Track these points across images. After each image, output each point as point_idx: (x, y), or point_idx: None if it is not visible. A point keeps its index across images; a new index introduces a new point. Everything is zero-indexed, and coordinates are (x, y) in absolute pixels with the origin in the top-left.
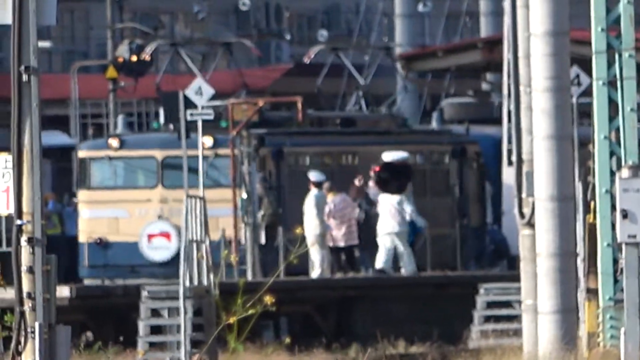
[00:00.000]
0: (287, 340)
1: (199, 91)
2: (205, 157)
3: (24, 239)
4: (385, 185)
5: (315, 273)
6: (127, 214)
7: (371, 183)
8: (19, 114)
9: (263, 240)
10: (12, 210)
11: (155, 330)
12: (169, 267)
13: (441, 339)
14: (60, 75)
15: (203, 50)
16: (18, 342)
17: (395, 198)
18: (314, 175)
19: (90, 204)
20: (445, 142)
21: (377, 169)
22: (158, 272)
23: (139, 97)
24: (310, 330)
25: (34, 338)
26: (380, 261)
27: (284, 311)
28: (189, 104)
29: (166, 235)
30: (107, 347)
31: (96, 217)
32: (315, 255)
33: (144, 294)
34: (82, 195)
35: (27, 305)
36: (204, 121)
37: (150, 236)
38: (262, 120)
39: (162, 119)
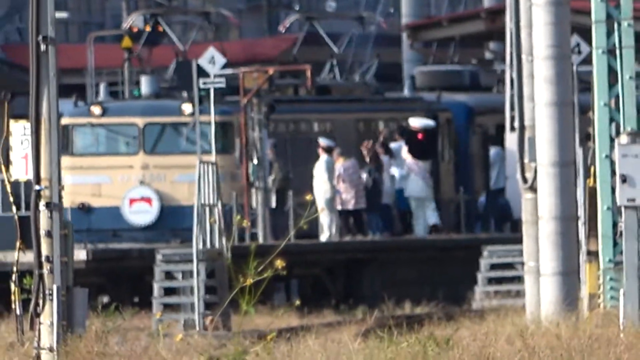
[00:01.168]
0: (297, 302)
1: (212, 60)
2: (185, 124)
3: (42, 204)
4: (418, 150)
5: (324, 236)
6: (109, 179)
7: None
8: (37, 83)
9: (274, 204)
10: (30, 175)
11: (170, 292)
12: (150, 231)
13: (446, 300)
14: (76, 45)
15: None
16: (37, 304)
17: (426, 164)
18: (323, 141)
19: (73, 170)
20: (417, 109)
21: (420, 136)
22: (139, 236)
23: (154, 65)
24: (320, 292)
25: (52, 300)
26: (432, 218)
27: (294, 274)
28: (202, 72)
29: (147, 200)
30: (123, 308)
31: (79, 182)
32: (325, 219)
33: (159, 257)
34: (64, 161)
35: (46, 268)
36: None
37: (131, 201)
38: (272, 88)
39: (143, 87)
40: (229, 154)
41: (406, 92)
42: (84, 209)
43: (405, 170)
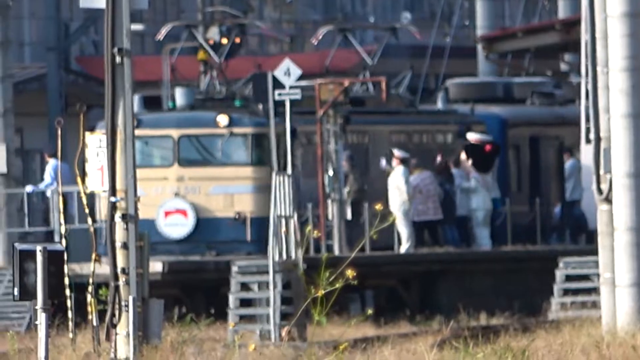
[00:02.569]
0: (370, 311)
1: (288, 72)
2: (220, 135)
3: (117, 216)
4: (480, 164)
5: (403, 248)
6: (143, 192)
7: (465, 162)
8: (113, 95)
9: (349, 216)
10: (106, 187)
11: (245, 303)
12: (186, 244)
13: (522, 312)
14: (152, 57)
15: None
16: (112, 315)
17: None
18: (399, 152)
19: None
20: (451, 122)
21: (488, 147)
22: (174, 249)
23: (229, 78)
24: (395, 303)
25: (127, 311)
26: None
27: (369, 285)
28: (277, 84)
29: (182, 212)
30: (199, 319)
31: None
32: (403, 230)
33: (234, 268)
34: None
35: (121, 279)
36: (217, 100)
37: (166, 213)
38: (348, 100)
39: (177, 99)
40: (265, 165)
41: (440, 104)
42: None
43: (474, 184)
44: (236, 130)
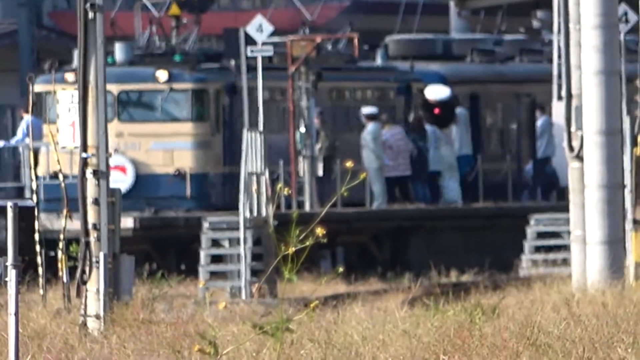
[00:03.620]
0: (341, 269)
1: (260, 28)
2: (160, 91)
3: (89, 172)
4: (437, 120)
5: (375, 204)
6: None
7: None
8: (85, 50)
9: (320, 172)
10: (77, 143)
11: (216, 259)
12: (125, 200)
13: (493, 269)
14: (124, 12)
15: None
16: (83, 272)
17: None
18: (368, 109)
19: (45, 137)
20: (391, 79)
21: (436, 110)
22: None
23: (201, 34)
24: (366, 260)
25: (98, 268)
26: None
27: (340, 241)
28: (249, 40)
29: (122, 168)
30: (170, 276)
31: (52, 150)
32: (376, 187)
33: (205, 224)
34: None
35: (93, 236)
36: (156, 55)
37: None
38: (320, 57)
39: (117, 54)
40: (204, 121)
41: (379, 60)
42: (56, 178)
43: (439, 143)
44: (176, 85)
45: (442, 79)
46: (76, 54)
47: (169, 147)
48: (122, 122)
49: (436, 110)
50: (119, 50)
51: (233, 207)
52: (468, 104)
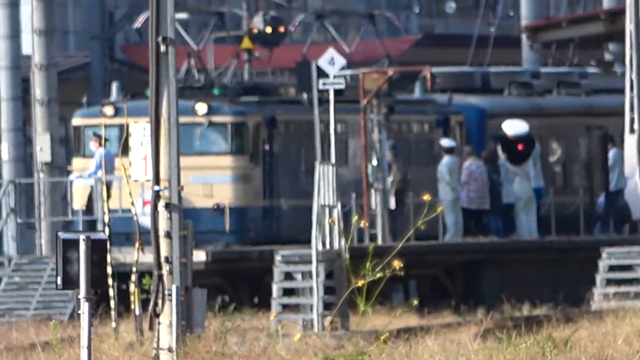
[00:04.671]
0: (415, 302)
1: (332, 61)
2: (199, 124)
3: (161, 205)
4: (514, 158)
5: (448, 236)
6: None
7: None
8: (157, 83)
9: (393, 205)
10: (149, 176)
11: (288, 292)
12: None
13: (565, 302)
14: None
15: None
16: (156, 305)
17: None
18: (446, 142)
19: (117, 170)
20: (429, 111)
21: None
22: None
23: (273, 67)
24: (439, 292)
25: (171, 301)
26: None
27: (413, 274)
28: (321, 73)
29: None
30: (242, 309)
31: (82, 185)
32: (450, 219)
33: (278, 258)
34: (76, 163)
35: (165, 268)
36: (196, 88)
37: (145, 203)
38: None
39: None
40: (243, 155)
41: (417, 93)
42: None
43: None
44: (215, 118)
45: (481, 112)
46: (114, 87)
47: (208, 180)
48: None
49: (520, 147)
50: None
51: (272, 241)
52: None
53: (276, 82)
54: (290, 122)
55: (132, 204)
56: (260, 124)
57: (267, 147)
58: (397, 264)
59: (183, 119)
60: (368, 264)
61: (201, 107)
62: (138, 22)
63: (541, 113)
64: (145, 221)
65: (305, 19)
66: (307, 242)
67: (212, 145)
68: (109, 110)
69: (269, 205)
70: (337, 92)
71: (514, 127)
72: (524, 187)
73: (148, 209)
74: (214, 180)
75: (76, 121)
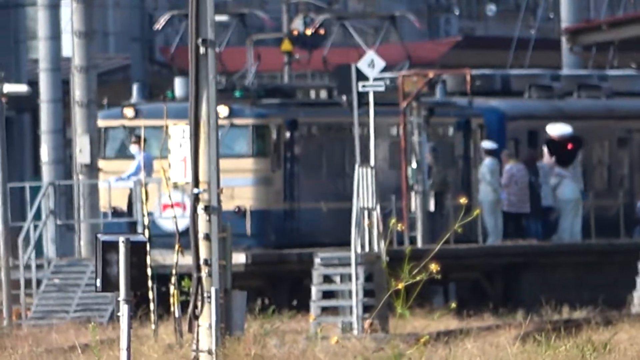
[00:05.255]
0: (454, 305)
1: (371, 64)
2: (220, 127)
3: (200, 207)
4: (563, 160)
5: (490, 239)
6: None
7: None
8: (197, 86)
9: (432, 208)
10: (189, 178)
11: (328, 295)
12: (183, 237)
13: (604, 305)
14: (236, 48)
15: (374, 24)
16: (195, 307)
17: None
18: (486, 144)
19: (107, 173)
20: (450, 114)
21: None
22: (172, 242)
23: (313, 69)
24: (478, 296)
25: (210, 303)
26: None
27: (452, 277)
28: (361, 76)
29: (182, 205)
30: (281, 311)
31: (112, 186)
32: (490, 222)
33: (317, 260)
34: (101, 164)
35: (204, 271)
36: (218, 90)
37: (164, 206)
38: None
39: (177, 90)
40: (265, 157)
41: (438, 95)
42: (116, 214)
43: (556, 180)
44: (236, 121)
45: (501, 115)
46: (135, 88)
47: (230, 183)
48: None
49: (570, 146)
50: (178, 86)
51: (294, 244)
52: (526, 140)
53: (298, 84)
54: (312, 124)
55: (172, 206)
56: (282, 126)
57: (288, 149)
58: (434, 267)
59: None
60: (406, 266)
61: (223, 110)
62: (159, 24)
63: (561, 115)
64: (165, 224)
65: (326, 22)
66: (328, 244)
67: (234, 147)
68: (129, 112)
69: (289, 208)
70: (360, 95)
71: (558, 128)
72: (573, 189)
73: (167, 212)
74: (235, 183)
75: (100, 123)
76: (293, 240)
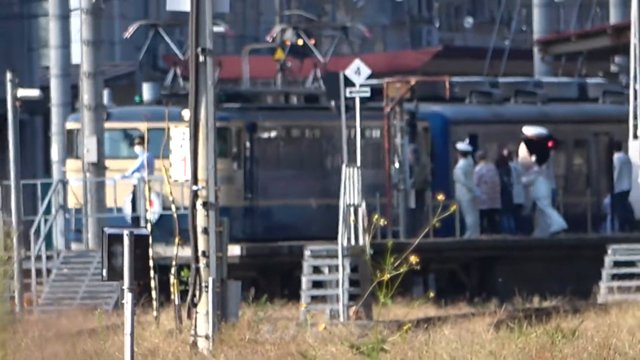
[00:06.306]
0: (432, 294)
1: (358, 71)
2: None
3: (199, 203)
4: (539, 158)
5: (468, 234)
6: (112, 182)
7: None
8: (196, 91)
9: (413, 204)
10: (188, 176)
11: (317, 285)
12: (152, 231)
13: (572, 295)
14: (233, 57)
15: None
16: (193, 295)
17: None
18: (461, 145)
19: (78, 172)
20: (381, 118)
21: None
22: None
23: (303, 76)
24: (455, 286)
25: (207, 292)
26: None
27: (431, 269)
28: (348, 82)
29: (149, 202)
30: (273, 300)
31: (81, 185)
32: (469, 218)
33: (307, 253)
34: (70, 164)
35: (202, 262)
36: (181, 95)
37: (151, 203)
38: (414, 97)
39: (145, 94)
40: (226, 157)
41: (385, 102)
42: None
43: (533, 177)
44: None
45: (444, 119)
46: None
47: None
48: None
49: (550, 144)
50: (146, 90)
51: (253, 239)
52: (468, 141)
53: (257, 89)
54: (270, 127)
55: (173, 202)
56: (242, 129)
57: (248, 150)
58: (413, 259)
59: (171, 124)
60: (389, 258)
61: (186, 113)
62: (128, 33)
63: (499, 120)
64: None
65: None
66: (286, 238)
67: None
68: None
69: (249, 205)
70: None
71: (534, 129)
72: (547, 186)
73: (155, 209)
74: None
75: (69, 125)
76: (253, 235)
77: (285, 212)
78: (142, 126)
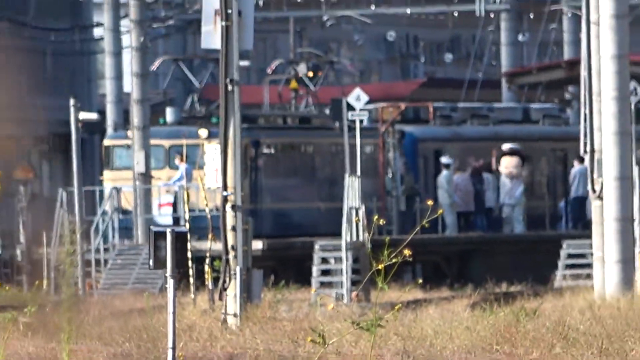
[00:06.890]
0: (420, 281)
1: (358, 98)
2: (199, 146)
3: (228, 206)
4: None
5: (448, 231)
6: (156, 187)
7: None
8: (226, 114)
9: (403, 207)
10: (220, 184)
11: (325, 273)
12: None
13: (534, 281)
14: (255, 86)
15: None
16: (224, 281)
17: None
18: (445, 159)
19: (114, 181)
20: (375, 136)
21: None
22: None
23: (313, 102)
24: (438, 274)
25: (235, 278)
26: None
27: (419, 260)
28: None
29: (171, 204)
30: (289, 285)
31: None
32: (449, 219)
33: (317, 246)
34: (107, 174)
35: (231, 254)
36: (198, 117)
37: (160, 205)
38: (403, 120)
39: (168, 117)
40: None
41: (365, 122)
42: (121, 213)
43: (510, 184)
44: (214, 141)
45: (413, 137)
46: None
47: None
48: (172, 169)
49: (521, 157)
50: (169, 114)
51: (256, 235)
52: (433, 158)
53: (260, 112)
54: (271, 144)
55: (207, 205)
56: (248, 145)
57: (253, 163)
58: (406, 252)
59: (189, 141)
60: (385, 252)
61: (203, 132)
62: (154, 66)
63: (459, 138)
64: (162, 220)
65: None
66: (285, 235)
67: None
68: (132, 134)
69: (253, 208)
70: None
71: (509, 145)
72: (522, 192)
73: (163, 210)
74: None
75: (107, 142)
76: (256, 232)
77: (286, 214)
78: (166, 143)
